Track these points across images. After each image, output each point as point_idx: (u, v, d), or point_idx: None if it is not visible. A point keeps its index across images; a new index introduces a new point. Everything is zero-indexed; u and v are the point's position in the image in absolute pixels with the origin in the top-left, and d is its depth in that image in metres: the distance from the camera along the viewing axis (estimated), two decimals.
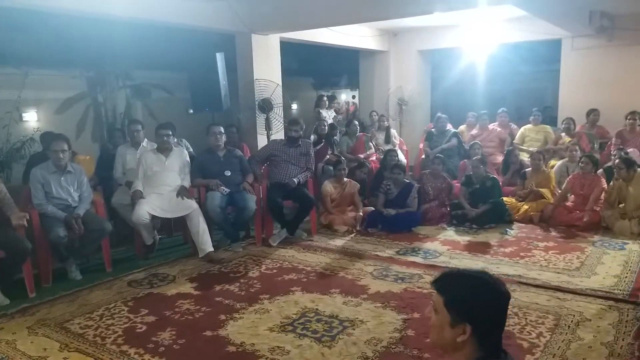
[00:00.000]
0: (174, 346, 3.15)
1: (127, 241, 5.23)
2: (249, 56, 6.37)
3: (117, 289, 4.13)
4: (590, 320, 3.31)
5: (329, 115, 8.66)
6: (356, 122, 7.71)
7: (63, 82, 6.94)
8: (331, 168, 6.48)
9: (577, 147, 6.29)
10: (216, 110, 6.88)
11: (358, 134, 7.54)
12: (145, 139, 5.40)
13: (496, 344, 1.45)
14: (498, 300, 1.43)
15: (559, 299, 3.67)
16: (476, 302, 1.41)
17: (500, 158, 7.25)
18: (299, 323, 3.40)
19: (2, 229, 3.92)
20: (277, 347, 3.09)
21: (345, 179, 5.96)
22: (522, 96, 11.45)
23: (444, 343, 1.46)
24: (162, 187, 4.81)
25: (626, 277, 4.07)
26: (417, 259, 4.68)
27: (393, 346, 3.06)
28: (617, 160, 5.45)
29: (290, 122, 5.71)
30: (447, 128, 7.80)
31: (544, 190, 6.00)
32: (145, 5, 4.98)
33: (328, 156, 6.90)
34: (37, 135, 5.99)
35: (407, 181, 5.94)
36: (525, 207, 5.94)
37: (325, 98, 9.03)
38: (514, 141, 7.53)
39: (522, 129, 7.62)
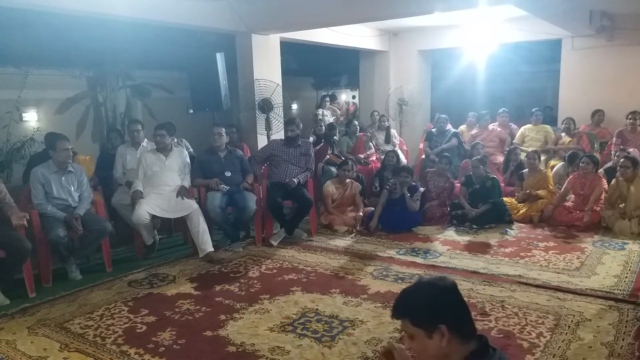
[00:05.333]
0: (174, 346, 3.15)
1: (127, 241, 5.23)
2: (249, 56, 6.36)
3: (117, 289, 4.13)
4: (590, 320, 3.31)
5: (329, 114, 8.67)
6: (356, 122, 7.71)
7: (63, 82, 6.92)
8: (332, 169, 6.48)
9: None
10: (216, 110, 6.87)
11: (358, 134, 7.55)
12: (145, 139, 5.41)
13: (474, 332, 1.54)
14: (446, 291, 1.54)
15: (559, 299, 3.67)
16: (434, 304, 1.51)
17: (500, 158, 7.26)
18: (299, 323, 3.41)
19: (3, 229, 3.92)
20: (277, 347, 3.09)
21: (347, 180, 5.95)
22: (522, 96, 11.44)
23: (435, 359, 1.53)
24: (162, 187, 4.82)
25: (626, 277, 4.07)
26: (417, 259, 4.69)
27: None
28: (622, 159, 5.44)
29: (286, 122, 5.73)
30: (447, 128, 7.81)
31: (541, 192, 6.00)
32: (145, 5, 4.98)
33: (328, 156, 6.90)
34: (37, 135, 5.98)
35: (414, 184, 5.94)
36: (525, 207, 5.95)
37: (327, 98, 9.04)
38: (514, 141, 7.54)
39: (522, 128, 7.62)
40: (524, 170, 6.28)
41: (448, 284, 1.56)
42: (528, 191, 5.97)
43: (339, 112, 9.45)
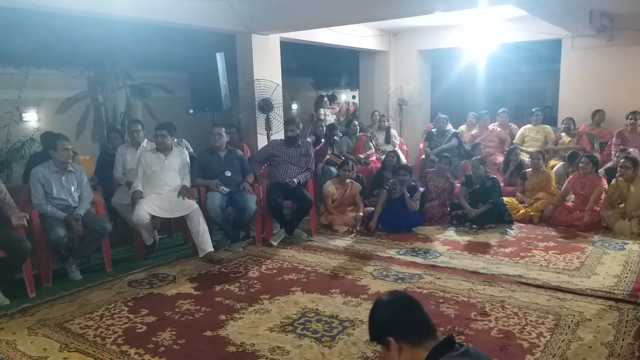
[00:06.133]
0: (174, 346, 3.15)
1: (127, 241, 5.23)
2: (249, 56, 6.36)
3: (117, 289, 4.13)
4: (590, 320, 3.31)
5: (330, 114, 8.66)
6: (356, 122, 7.71)
7: (63, 82, 6.92)
8: (332, 169, 6.48)
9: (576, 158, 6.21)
10: (216, 110, 6.87)
11: (358, 134, 7.54)
12: (146, 139, 5.40)
13: (423, 334, 1.60)
14: (383, 307, 1.71)
15: (559, 299, 3.67)
16: (376, 322, 1.71)
17: (500, 158, 7.27)
18: (299, 323, 3.41)
19: (3, 229, 3.92)
20: (277, 347, 3.09)
21: (347, 181, 5.95)
22: (522, 96, 11.45)
23: None
24: (162, 187, 4.82)
25: (626, 277, 4.07)
26: (417, 259, 4.69)
27: None
28: (622, 160, 5.44)
29: (285, 122, 5.74)
30: (447, 128, 7.81)
31: (540, 194, 6.01)
32: (145, 5, 4.98)
33: (328, 156, 6.90)
34: (37, 135, 5.98)
35: (413, 184, 5.94)
36: (525, 207, 5.95)
37: (325, 98, 9.02)
38: (514, 141, 7.54)
39: (522, 129, 7.62)
40: (527, 170, 6.28)
41: (387, 299, 1.73)
42: (531, 201, 5.97)
43: (337, 108, 9.38)
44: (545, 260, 4.56)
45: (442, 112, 8.10)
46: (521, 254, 4.75)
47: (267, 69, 6.46)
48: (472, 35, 8.04)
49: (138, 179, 4.84)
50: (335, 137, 7.25)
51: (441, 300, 3.70)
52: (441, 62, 9.67)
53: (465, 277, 4.18)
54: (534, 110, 7.68)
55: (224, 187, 5.03)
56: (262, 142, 6.26)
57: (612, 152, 6.44)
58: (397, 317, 1.64)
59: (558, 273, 4.21)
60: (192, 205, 4.78)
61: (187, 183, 4.96)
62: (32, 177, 4.36)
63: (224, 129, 5.30)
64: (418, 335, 1.59)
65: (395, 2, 5.50)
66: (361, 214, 5.84)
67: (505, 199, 6.02)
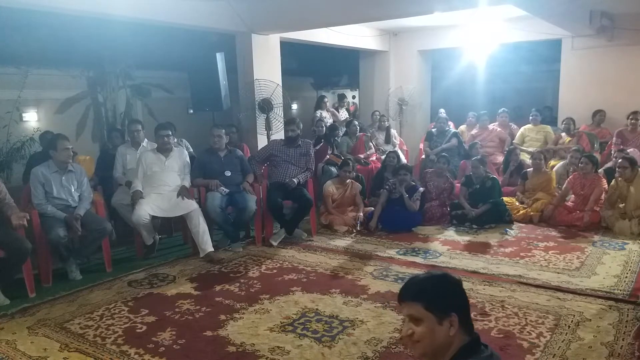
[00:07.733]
0: (174, 346, 3.15)
1: (127, 241, 5.23)
2: (249, 56, 6.36)
3: (117, 289, 4.13)
4: (590, 320, 3.31)
5: (328, 116, 8.63)
6: (356, 122, 7.71)
7: (63, 82, 6.93)
8: (332, 169, 6.48)
9: (579, 155, 6.19)
10: (216, 110, 6.88)
11: (358, 134, 7.54)
12: (146, 139, 5.41)
13: (472, 328, 1.58)
14: (458, 284, 1.62)
15: (559, 299, 3.67)
16: (449, 292, 1.57)
17: (500, 158, 7.27)
18: (299, 323, 3.41)
19: (3, 229, 3.92)
20: (277, 347, 3.09)
21: (348, 181, 5.95)
22: (522, 96, 11.45)
23: (437, 347, 1.53)
24: (162, 187, 4.82)
25: (626, 277, 4.07)
26: (417, 259, 4.69)
27: (393, 346, 3.06)
28: (620, 160, 5.44)
29: (286, 123, 5.73)
30: (447, 128, 7.80)
31: (540, 194, 6.00)
32: (145, 5, 4.98)
33: (328, 156, 6.90)
34: (37, 135, 5.99)
35: (413, 183, 5.95)
36: (525, 207, 5.95)
37: (326, 99, 9.00)
38: (514, 141, 7.54)
39: (522, 129, 7.62)
40: (527, 170, 6.28)
41: (458, 279, 1.64)
42: (530, 202, 5.97)
43: (339, 117, 9.17)
44: (545, 260, 4.56)
45: (443, 110, 8.10)
46: (521, 254, 4.75)
47: (267, 69, 6.46)
48: (472, 35, 8.05)
49: (138, 179, 4.84)
50: (336, 137, 7.24)
51: None
52: (441, 62, 9.68)
53: (465, 277, 4.18)
54: (532, 110, 7.68)
55: (223, 188, 5.03)
56: (262, 142, 6.26)
57: (612, 152, 6.44)
58: (466, 301, 1.60)
59: (558, 273, 4.21)
60: (192, 205, 4.78)
61: (187, 183, 4.96)
62: (32, 176, 4.36)
63: (223, 131, 5.30)
64: (470, 327, 1.57)
65: (395, 2, 5.50)
66: (361, 214, 5.84)
67: (505, 199, 6.02)
